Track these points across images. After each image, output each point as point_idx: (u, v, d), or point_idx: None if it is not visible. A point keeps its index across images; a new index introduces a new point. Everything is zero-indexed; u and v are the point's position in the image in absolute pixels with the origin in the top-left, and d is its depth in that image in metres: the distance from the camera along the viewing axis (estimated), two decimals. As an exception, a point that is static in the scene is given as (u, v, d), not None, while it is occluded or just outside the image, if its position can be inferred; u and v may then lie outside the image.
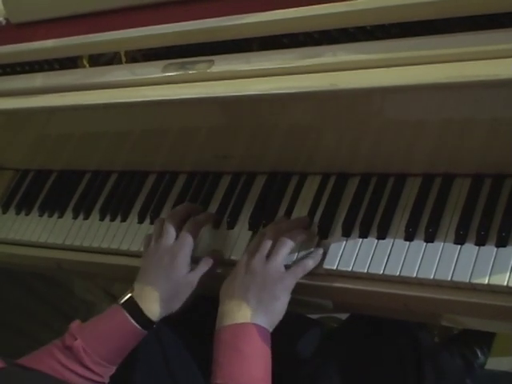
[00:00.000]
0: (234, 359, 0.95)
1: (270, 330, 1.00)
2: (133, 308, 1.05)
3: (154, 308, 1.05)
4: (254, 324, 0.98)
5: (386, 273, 0.99)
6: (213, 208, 1.21)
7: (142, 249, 1.19)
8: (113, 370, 1.05)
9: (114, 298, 1.35)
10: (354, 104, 1.00)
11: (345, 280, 1.04)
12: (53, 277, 1.58)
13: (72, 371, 1.01)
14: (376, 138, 1.06)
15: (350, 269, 1.02)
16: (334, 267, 1.03)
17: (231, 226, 1.16)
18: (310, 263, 1.04)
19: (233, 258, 1.12)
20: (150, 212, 1.26)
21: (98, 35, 1.15)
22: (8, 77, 1.28)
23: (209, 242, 1.16)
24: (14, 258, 1.39)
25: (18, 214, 1.41)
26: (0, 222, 1.42)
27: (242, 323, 0.98)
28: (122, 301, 1.06)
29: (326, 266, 1.04)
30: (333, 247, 1.05)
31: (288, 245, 1.04)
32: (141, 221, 1.26)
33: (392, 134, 1.03)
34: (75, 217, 1.33)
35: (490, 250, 0.95)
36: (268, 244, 1.04)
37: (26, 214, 1.40)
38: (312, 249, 1.06)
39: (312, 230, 1.08)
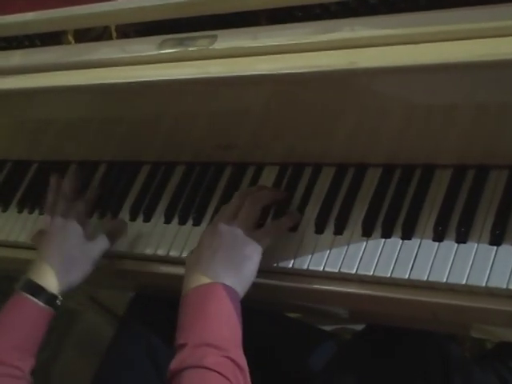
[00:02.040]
0: (196, 319, 0.98)
1: (241, 293, 1.03)
2: (32, 288, 1.11)
3: (52, 281, 1.12)
4: (222, 284, 1.01)
5: (411, 278, 0.99)
6: (214, 203, 1.21)
7: (135, 250, 1.20)
8: (32, 361, 1.08)
9: (100, 305, 1.36)
10: (375, 85, 0.99)
11: (365, 286, 1.03)
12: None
13: None
14: (400, 125, 1.05)
15: (371, 273, 1.02)
16: (353, 271, 1.03)
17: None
18: (286, 221, 1.09)
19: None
20: (144, 208, 1.26)
21: (85, 7, 1.14)
22: (-18, 55, 1.28)
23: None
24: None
25: (-6, 210, 1.41)
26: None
27: (209, 283, 1.01)
28: (20, 286, 1.11)
29: (344, 269, 1.04)
30: (351, 248, 1.05)
31: (256, 202, 1.09)
32: (133, 218, 1.26)
33: (418, 120, 1.03)
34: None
35: (529, 252, 0.94)
36: (233, 205, 1.09)
37: (3, 211, 1.40)
38: None
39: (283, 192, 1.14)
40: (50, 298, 1.11)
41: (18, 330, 1.09)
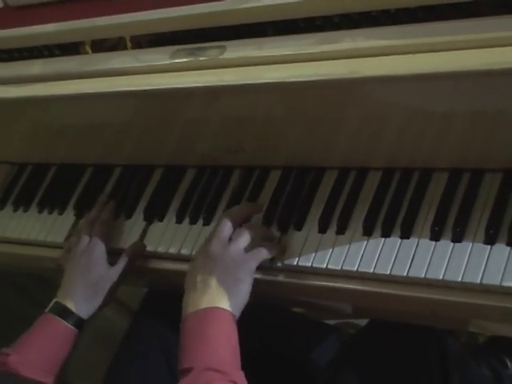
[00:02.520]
0: (198, 343, 0.98)
1: (237, 314, 1.03)
2: (61, 310, 1.14)
3: (80, 305, 1.14)
4: (218, 308, 1.01)
5: (410, 275, 0.99)
6: (223, 204, 1.21)
7: (148, 248, 1.21)
8: (55, 379, 1.11)
9: (116, 301, 1.36)
10: (376, 93, 1.00)
11: (366, 282, 1.04)
12: (48, 278, 1.59)
13: None
14: (399, 130, 1.06)
15: (371, 270, 1.02)
16: (355, 269, 1.03)
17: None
18: (271, 251, 1.08)
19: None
20: (157, 209, 1.26)
21: (102, 19, 1.15)
22: (5, 63, 1.29)
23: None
24: (11, 258, 1.40)
25: (15, 210, 1.42)
26: (-6, 217, 1.43)
27: (206, 308, 1.01)
28: (49, 308, 1.14)
29: (346, 267, 1.04)
30: (353, 247, 1.05)
31: (249, 231, 1.08)
32: (147, 218, 1.26)
33: (417, 126, 1.03)
34: (77, 214, 1.34)
35: (522, 250, 0.95)
36: (225, 229, 1.08)
37: (25, 211, 1.41)
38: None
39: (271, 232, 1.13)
40: (77, 322, 1.14)
41: (45, 349, 1.11)
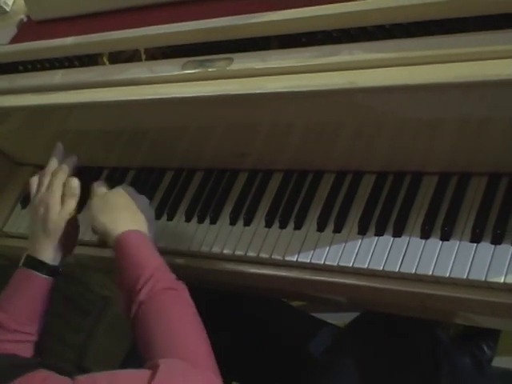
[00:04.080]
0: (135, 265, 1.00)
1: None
2: (32, 262, 1.11)
3: (48, 254, 1.11)
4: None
5: (401, 270, 0.99)
6: (229, 205, 1.20)
7: (160, 244, 1.19)
8: (40, 325, 1.10)
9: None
10: (372, 102, 0.99)
11: (360, 277, 1.03)
12: (69, 272, 1.58)
13: (2, 341, 1.05)
14: (393, 137, 1.05)
15: (365, 266, 1.02)
16: (350, 264, 1.03)
17: (247, 222, 1.16)
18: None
19: (249, 254, 1.12)
20: (167, 208, 1.26)
21: (118, 33, 1.15)
22: (29, 73, 1.29)
23: (225, 239, 1.16)
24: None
25: (37, 209, 1.41)
26: (19, 216, 1.43)
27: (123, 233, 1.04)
28: (22, 262, 1.12)
29: (342, 263, 1.04)
30: (348, 245, 1.05)
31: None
32: (158, 217, 1.25)
33: (409, 133, 1.03)
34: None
35: (506, 248, 0.94)
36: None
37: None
38: None
39: None
40: (49, 271, 1.11)
41: (26, 300, 1.09)
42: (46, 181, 1.16)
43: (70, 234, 1.14)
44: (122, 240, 1.03)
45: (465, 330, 1.44)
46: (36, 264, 1.11)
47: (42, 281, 1.10)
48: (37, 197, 1.15)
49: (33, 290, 1.10)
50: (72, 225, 1.14)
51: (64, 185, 1.15)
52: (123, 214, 1.08)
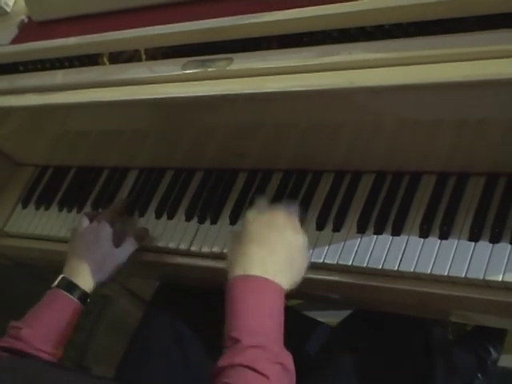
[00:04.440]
0: (249, 313, 0.89)
1: (287, 290, 0.94)
2: (68, 285, 1.12)
3: (86, 280, 1.13)
4: (272, 281, 0.91)
5: (400, 269, 0.99)
6: (229, 205, 1.20)
7: (159, 244, 1.20)
8: (62, 350, 1.10)
9: (131, 293, 1.35)
10: (371, 102, 0.99)
11: (359, 276, 1.03)
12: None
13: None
14: (392, 137, 1.05)
15: (364, 265, 1.02)
16: (349, 263, 1.03)
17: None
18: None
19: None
20: (167, 207, 1.26)
21: (119, 33, 1.15)
22: (29, 74, 1.28)
23: (225, 239, 1.16)
24: (33, 253, 1.40)
25: (37, 209, 1.42)
26: (20, 216, 1.43)
27: (259, 276, 0.91)
28: (56, 283, 1.13)
29: (341, 261, 1.04)
30: (348, 243, 1.05)
31: None
32: (158, 216, 1.26)
33: (408, 133, 1.03)
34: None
35: (504, 247, 0.95)
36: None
37: (46, 209, 1.40)
38: None
39: None
40: (82, 296, 1.13)
41: (54, 321, 1.10)
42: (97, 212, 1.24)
43: (113, 269, 1.17)
44: (238, 286, 0.91)
45: (471, 329, 1.45)
46: (71, 287, 1.12)
47: (72, 303, 1.11)
48: (86, 227, 1.20)
49: (62, 310, 1.11)
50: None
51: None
52: (270, 248, 0.94)
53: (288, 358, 0.87)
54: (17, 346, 1.05)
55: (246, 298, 0.89)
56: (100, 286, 1.16)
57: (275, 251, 0.93)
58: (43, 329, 1.08)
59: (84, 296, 1.13)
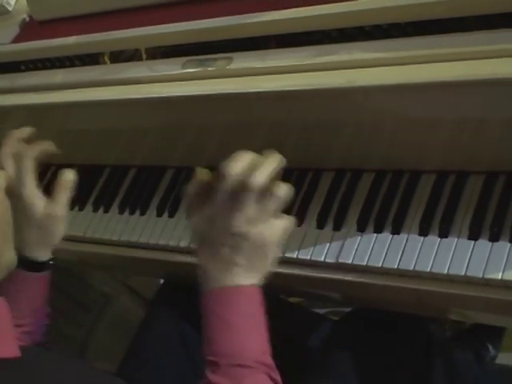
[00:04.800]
0: (222, 332, 0.86)
1: (259, 284, 0.90)
2: (21, 261, 1.02)
3: (34, 251, 1.06)
4: (242, 286, 0.88)
5: (400, 267, 0.99)
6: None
7: (160, 242, 1.19)
8: (44, 317, 1.08)
9: (132, 290, 1.34)
10: (370, 101, 0.99)
11: (359, 274, 1.03)
12: (71, 269, 1.59)
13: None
14: (391, 135, 1.05)
15: (364, 263, 1.02)
16: (349, 261, 1.03)
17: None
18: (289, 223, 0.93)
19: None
20: (168, 206, 1.26)
21: (119, 32, 1.15)
22: (30, 73, 1.29)
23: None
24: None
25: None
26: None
27: (228, 287, 0.87)
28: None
29: (341, 260, 1.04)
30: (347, 242, 1.05)
31: (273, 204, 0.89)
32: (159, 214, 1.26)
33: (407, 131, 1.02)
34: (95, 210, 1.33)
35: (503, 245, 0.94)
36: (251, 203, 0.88)
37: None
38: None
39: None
40: (36, 266, 1.07)
41: (28, 301, 1.07)
42: (8, 163, 1.05)
43: (58, 228, 1.08)
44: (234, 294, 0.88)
45: (469, 326, 1.45)
46: (24, 262, 1.05)
47: (28, 276, 1.07)
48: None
49: (32, 289, 1.08)
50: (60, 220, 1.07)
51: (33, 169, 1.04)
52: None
53: (269, 361, 0.86)
54: None
55: (213, 315, 0.87)
56: (54, 247, 1.08)
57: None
58: (19, 311, 1.04)
59: (37, 266, 1.06)
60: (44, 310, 1.11)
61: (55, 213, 1.06)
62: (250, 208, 0.87)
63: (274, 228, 0.90)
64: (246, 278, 0.89)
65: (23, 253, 1.06)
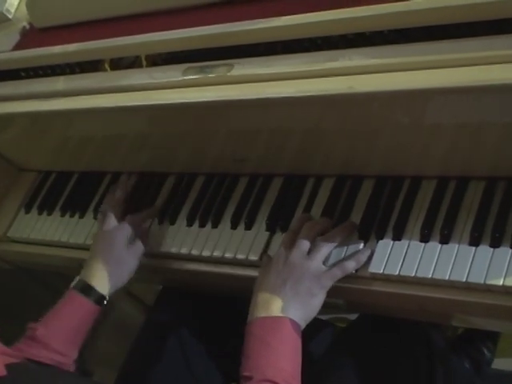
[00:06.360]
0: (262, 352, 0.93)
1: (303, 325, 0.98)
2: (84, 287, 1.11)
3: (102, 283, 1.11)
4: (287, 318, 0.95)
5: (401, 274, 0.98)
6: (230, 209, 1.19)
7: (160, 249, 1.19)
8: (76, 352, 1.09)
9: (132, 296, 1.33)
10: (371, 107, 0.98)
11: (361, 280, 1.02)
12: (72, 275, 1.58)
13: (40, 357, 1.04)
14: (392, 142, 1.05)
15: (367, 270, 1.01)
16: (351, 268, 1.02)
17: (249, 226, 1.15)
18: (350, 266, 1.01)
19: (251, 258, 1.11)
20: (169, 213, 1.25)
21: (120, 39, 1.14)
22: (31, 80, 1.28)
23: (226, 243, 1.15)
24: (35, 258, 1.39)
25: (40, 214, 1.41)
26: (22, 222, 1.42)
27: (275, 316, 0.95)
28: (73, 284, 1.12)
29: (343, 266, 1.03)
30: (349, 249, 1.04)
31: (330, 245, 1.02)
32: (160, 221, 1.25)
33: (408, 138, 1.02)
34: (96, 217, 1.32)
35: (504, 251, 0.94)
36: (306, 240, 1.02)
37: (48, 215, 1.39)
38: (353, 249, 1.03)
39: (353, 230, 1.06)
40: (98, 299, 1.11)
41: (69, 323, 1.09)
42: (112, 217, 1.18)
43: (129, 270, 1.15)
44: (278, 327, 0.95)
45: (464, 332, 1.44)
46: (88, 290, 1.10)
47: (88, 305, 1.10)
48: (103, 228, 1.17)
49: (77, 312, 1.10)
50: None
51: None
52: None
53: None
54: (31, 351, 1.04)
55: (256, 338, 0.94)
56: (117, 289, 1.14)
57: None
58: (58, 329, 1.07)
59: (100, 298, 1.11)
60: (79, 345, 1.12)
61: (131, 256, 1.16)
62: (305, 245, 1.02)
63: (321, 270, 1.00)
64: (290, 309, 0.96)
65: (87, 278, 1.12)
